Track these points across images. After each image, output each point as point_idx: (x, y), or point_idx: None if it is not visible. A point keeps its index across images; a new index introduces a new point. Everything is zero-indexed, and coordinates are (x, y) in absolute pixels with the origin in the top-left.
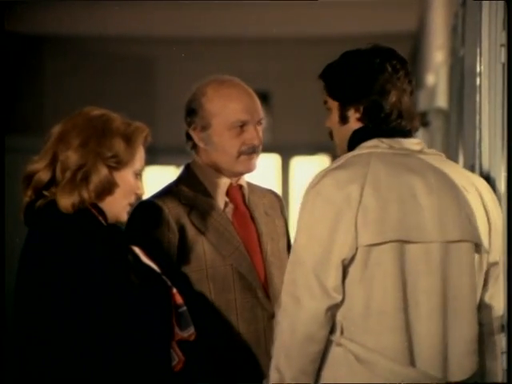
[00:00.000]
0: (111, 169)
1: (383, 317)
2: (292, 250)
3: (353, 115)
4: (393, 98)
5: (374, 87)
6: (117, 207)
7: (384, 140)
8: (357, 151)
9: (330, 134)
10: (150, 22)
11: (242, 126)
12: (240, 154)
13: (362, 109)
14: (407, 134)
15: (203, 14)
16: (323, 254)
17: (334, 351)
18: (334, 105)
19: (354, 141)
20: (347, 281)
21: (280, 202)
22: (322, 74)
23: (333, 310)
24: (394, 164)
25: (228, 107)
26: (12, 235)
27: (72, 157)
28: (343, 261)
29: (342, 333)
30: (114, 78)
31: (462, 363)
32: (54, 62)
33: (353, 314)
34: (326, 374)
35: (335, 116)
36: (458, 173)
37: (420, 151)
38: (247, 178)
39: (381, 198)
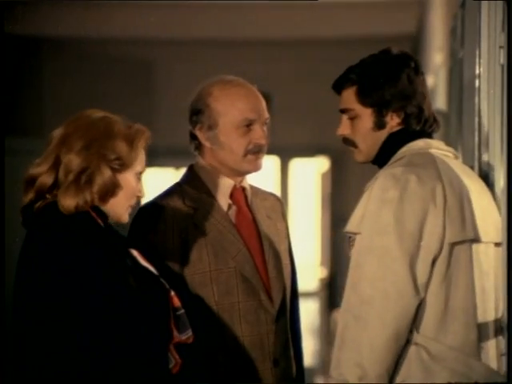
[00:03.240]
0: (114, 171)
1: (461, 315)
2: (375, 247)
3: (392, 120)
4: (428, 100)
5: (416, 91)
6: (119, 209)
7: (427, 141)
8: (410, 151)
9: (348, 141)
10: (150, 24)
11: (249, 125)
12: (247, 153)
13: (403, 113)
14: (432, 136)
15: (203, 15)
16: (415, 251)
17: (408, 350)
18: (364, 112)
19: (394, 144)
20: (431, 278)
21: (281, 206)
22: (348, 82)
23: (417, 307)
24: (449, 164)
25: (235, 106)
26: (12, 235)
27: (75, 160)
28: (433, 258)
29: (417, 331)
30: (113, 80)
31: (501, 364)
32: (53, 63)
33: (430, 312)
34: (399, 374)
35: (367, 122)
36: (476, 175)
37: (453, 153)
38: (247, 180)
39: (457, 197)
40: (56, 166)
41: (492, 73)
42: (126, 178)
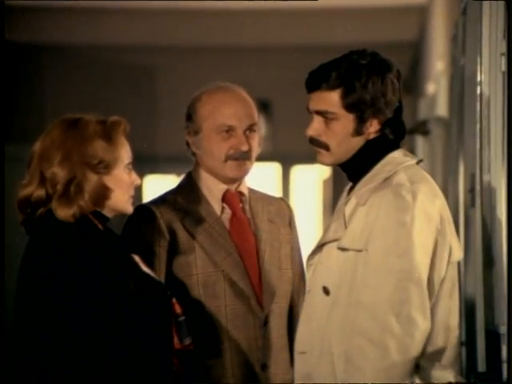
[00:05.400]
0: (101, 174)
1: (454, 333)
2: (393, 269)
3: (371, 127)
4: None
5: (397, 98)
6: (119, 205)
7: (403, 151)
8: (396, 164)
9: (318, 142)
10: (150, 31)
11: (230, 130)
12: (227, 158)
13: (383, 120)
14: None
15: (203, 22)
16: (431, 273)
17: None
18: (346, 116)
19: (372, 153)
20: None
21: (289, 211)
22: (328, 82)
23: None
24: (429, 176)
25: (217, 112)
26: (12, 236)
27: (59, 172)
28: (442, 279)
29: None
30: (114, 87)
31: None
32: (54, 70)
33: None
34: None
35: (346, 127)
36: None
37: (419, 161)
38: (252, 186)
39: (450, 212)
40: (43, 181)
41: (493, 80)
42: (116, 175)
